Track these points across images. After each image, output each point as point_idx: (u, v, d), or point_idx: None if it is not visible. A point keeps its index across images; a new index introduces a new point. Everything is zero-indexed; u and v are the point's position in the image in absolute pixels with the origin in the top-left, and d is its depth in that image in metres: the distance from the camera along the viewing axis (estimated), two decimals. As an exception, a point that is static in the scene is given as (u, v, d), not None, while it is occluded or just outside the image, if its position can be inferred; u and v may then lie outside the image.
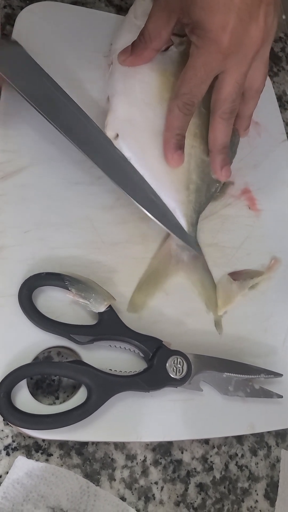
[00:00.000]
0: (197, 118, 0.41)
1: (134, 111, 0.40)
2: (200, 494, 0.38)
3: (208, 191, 0.42)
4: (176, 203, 0.40)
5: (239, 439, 0.40)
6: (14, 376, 0.32)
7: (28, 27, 0.43)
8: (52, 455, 0.34)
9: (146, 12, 0.41)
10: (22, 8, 0.44)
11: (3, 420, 0.34)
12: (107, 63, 0.44)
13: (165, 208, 0.39)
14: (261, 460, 0.40)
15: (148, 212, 0.38)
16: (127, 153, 0.39)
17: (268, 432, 0.41)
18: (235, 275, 0.42)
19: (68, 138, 0.37)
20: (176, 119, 0.39)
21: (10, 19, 0.46)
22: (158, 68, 0.41)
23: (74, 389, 0.36)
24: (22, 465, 0.33)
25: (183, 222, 0.40)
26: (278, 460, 0.41)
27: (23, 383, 0.33)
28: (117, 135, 0.39)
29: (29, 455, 0.34)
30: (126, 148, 0.39)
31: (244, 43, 0.36)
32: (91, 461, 0.35)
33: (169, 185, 0.40)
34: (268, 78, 0.53)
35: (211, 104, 0.40)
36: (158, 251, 0.40)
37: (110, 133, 0.39)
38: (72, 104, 0.38)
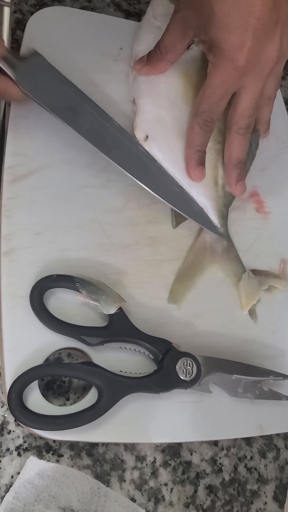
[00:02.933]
0: (221, 114, 0.41)
1: (162, 111, 0.41)
2: (209, 496, 0.38)
3: None
4: (206, 199, 0.41)
5: (248, 441, 0.40)
6: (26, 378, 0.32)
7: (38, 32, 0.44)
8: (62, 455, 0.35)
9: (165, 13, 0.41)
10: (32, 13, 0.45)
11: (15, 420, 0.34)
12: (129, 65, 0.45)
13: (194, 203, 0.41)
14: (270, 462, 0.40)
15: (179, 209, 0.40)
16: (157, 153, 0.40)
17: (277, 434, 0.41)
18: (256, 273, 0.42)
19: (100, 149, 0.38)
20: (197, 136, 0.40)
21: (20, 24, 0.47)
22: (181, 67, 0.42)
23: (84, 390, 0.36)
24: (34, 465, 0.33)
25: (214, 216, 0.41)
26: (287, 463, 0.41)
27: (35, 384, 0.33)
28: (147, 137, 0.40)
29: (40, 456, 0.34)
30: (156, 149, 0.40)
31: (261, 61, 0.37)
32: (101, 462, 0.36)
33: (198, 182, 0.41)
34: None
35: (228, 119, 0.41)
36: (193, 244, 0.42)
37: (139, 135, 0.40)
38: (98, 112, 0.39)
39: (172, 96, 0.41)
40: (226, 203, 0.42)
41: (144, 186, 0.39)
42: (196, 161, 0.40)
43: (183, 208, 0.40)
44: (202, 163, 0.40)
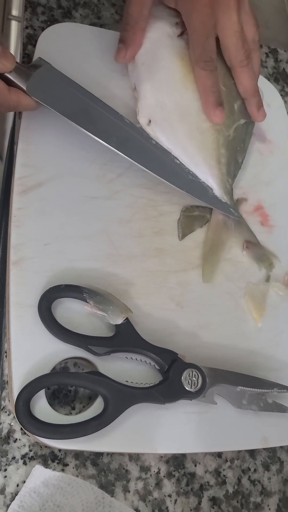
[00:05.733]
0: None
1: (162, 96, 0.43)
2: (213, 508, 0.38)
3: (237, 162, 0.45)
4: (212, 178, 0.43)
5: (252, 453, 0.40)
6: (33, 386, 0.33)
7: (49, 47, 0.45)
8: (68, 465, 0.35)
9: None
10: (43, 29, 0.46)
11: (21, 429, 0.35)
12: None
13: (203, 185, 0.43)
14: (274, 475, 0.40)
15: (189, 192, 0.42)
16: (161, 136, 0.42)
17: (281, 447, 0.41)
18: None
19: (114, 147, 0.39)
20: (206, 79, 0.41)
21: (32, 39, 0.48)
22: (178, 53, 0.43)
23: (90, 399, 0.36)
24: (39, 474, 0.33)
25: (220, 192, 0.43)
26: (290, 475, 0.41)
27: (41, 393, 0.33)
28: (150, 121, 0.42)
29: (45, 465, 0.34)
30: (160, 132, 0.42)
31: None
32: (106, 472, 0.36)
33: (202, 162, 0.43)
34: (280, 98, 0.55)
35: (228, 63, 0.43)
36: (209, 225, 0.44)
37: (142, 120, 0.42)
38: (109, 111, 0.41)
39: (172, 80, 0.43)
40: (230, 181, 0.44)
41: (157, 176, 0.40)
42: (214, 101, 0.41)
43: (197, 193, 0.42)
44: (220, 103, 0.42)
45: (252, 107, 0.44)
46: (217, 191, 0.43)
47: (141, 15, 0.42)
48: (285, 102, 0.57)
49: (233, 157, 0.45)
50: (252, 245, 0.45)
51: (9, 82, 0.37)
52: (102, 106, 0.40)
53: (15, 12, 0.49)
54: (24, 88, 0.37)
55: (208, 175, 0.43)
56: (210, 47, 0.42)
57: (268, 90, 0.54)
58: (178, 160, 0.42)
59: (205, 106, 0.42)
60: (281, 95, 0.56)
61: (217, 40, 0.44)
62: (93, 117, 0.39)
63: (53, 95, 0.38)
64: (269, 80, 0.57)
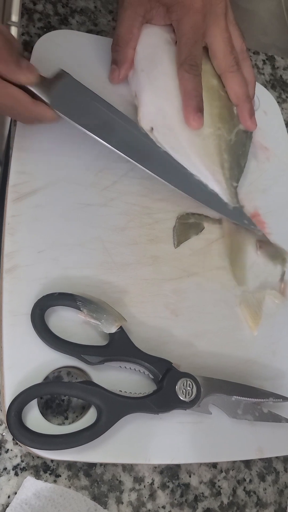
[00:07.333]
0: (218, 101, 0.44)
1: (162, 102, 0.43)
2: (207, 519, 0.37)
3: (239, 165, 0.46)
4: (216, 183, 0.43)
5: (247, 463, 0.40)
6: (25, 396, 0.32)
7: (45, 54, 0.45)
8: (60, 476, 0.34)
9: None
10: (39, 36, 0.46)
11: (13, 439, 0.34)
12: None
13: (212, 193, 0.43)
14: (269, 486, 0.40)
15: (204, 203, 0.42)
16: (164, 143, 0.42)
17: (276, 457, 0.41)
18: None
19: (135, 160, 0.39)
20: (189, 82, 0.41)
21: (28, 46, 0.48)
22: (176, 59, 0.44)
23: (83, 409, 0.36)
24: (31, 485, 0.33)
25: (227, 197, 0.44)
26: (286, 486, 0.40)
27: (34, 403, 0.33)
28: (152, 128, 0.42)
29: (37, 476, 0.34)
30: (162, 139, 0.42)
31: (212, 3, 0.43)
32: (99, 483, 0.35)
33: (206, 168, 0.43)
34: (277, 105, 0.55)
35: (217, 71, 0.44)
36: (224, 232, 0.44)
37: (145, 127, 0.42)
38: (130, 123, 0.41)
39: (171, 87, 0.43)
40: (234, 184, 0.45)
41: (182, 192, 0.41)
42: (194, 106, 0.41)
43: (208, 202, 0.43)
44: (200, 109, 0.41)
45: (244, 114, 0.44)
46: (223, 195, 0.43)
47: (131, 34, 0.43)
48: (282, 109, 0.57)
49: (236, 161, 0.45)
50: (265, 244, 0.45)
51: (32, 95, 0.36)
52: (123, 118, 0.40)
53: (14, 18, 0.49)
54: (47, 101, 0.37)
55: (213, 181, 0.43)
56: (197, 52, 0.42)
57: (265, 97, 0.54)
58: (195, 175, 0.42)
59: (185, 109, 0.42)
60: (278, 102, 0.57)
61: (206, 51, 0.44)
62: (115, 130, 0.39)
63: (76, 109, 0.38)
64: (266, 87, 0.58)
